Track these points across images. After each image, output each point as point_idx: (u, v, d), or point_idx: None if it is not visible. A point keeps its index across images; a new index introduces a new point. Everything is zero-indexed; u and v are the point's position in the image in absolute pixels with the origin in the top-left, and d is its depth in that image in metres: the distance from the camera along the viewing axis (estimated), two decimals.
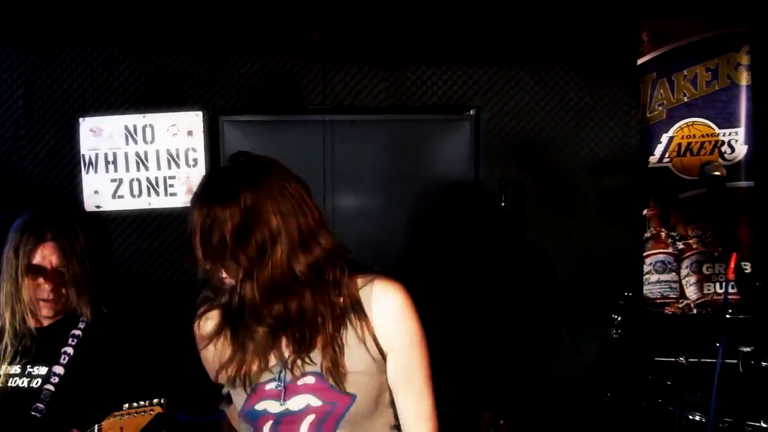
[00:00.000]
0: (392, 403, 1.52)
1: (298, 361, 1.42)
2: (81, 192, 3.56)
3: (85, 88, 3.52)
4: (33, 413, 1.88)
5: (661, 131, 3.71)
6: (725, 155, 3.63)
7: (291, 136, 3.68)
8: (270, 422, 1.44)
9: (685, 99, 3.67)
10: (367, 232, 3.70)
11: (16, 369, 1.94)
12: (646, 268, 3.75)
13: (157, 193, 3.56)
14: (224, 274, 1.39)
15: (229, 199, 1.35)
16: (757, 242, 3.59)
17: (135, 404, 1.69)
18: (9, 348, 1.95)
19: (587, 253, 3.72)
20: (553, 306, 3.74)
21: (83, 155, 3.55)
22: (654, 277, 3.76)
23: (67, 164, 3.56)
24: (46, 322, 2.01)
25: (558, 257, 3.72)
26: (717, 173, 1.87)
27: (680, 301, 3.72)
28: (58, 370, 1.94)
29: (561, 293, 3.73)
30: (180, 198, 3.56)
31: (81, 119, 3.53)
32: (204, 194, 1.39)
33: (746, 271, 1.66)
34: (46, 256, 1.95)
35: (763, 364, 2.71)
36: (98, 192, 3.56)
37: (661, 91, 3.70)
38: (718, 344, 1.72)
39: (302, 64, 3.57)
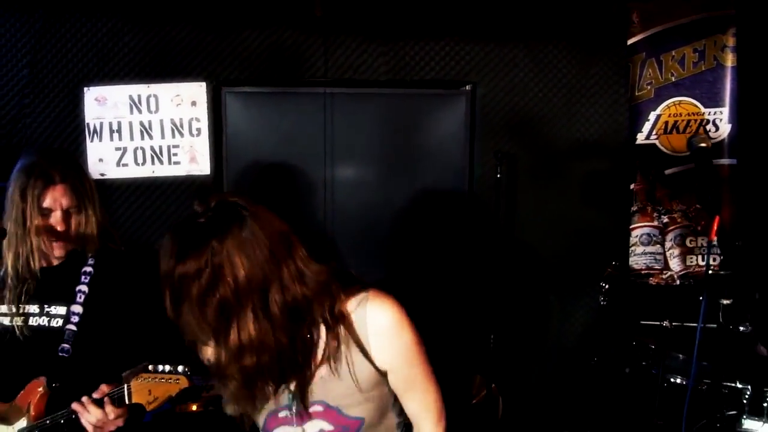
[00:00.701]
0: (395, 403, 1.58)
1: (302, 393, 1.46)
2: (86, 160, 3.62)
3: (89, 58, 3.58)
4: (60, 354, 1.93)
5: (648, 109, 3.84)
6: (710, 133, 3.77)
7: (292, 107, 3.77)
8: None
9: (673, 78, 3.80)
10: (365, 201, 3.82)
11: (34, 308, 1.98)
12: (632, 240, 3.91)
13: (161, 162, 3.64)
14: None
15: (195, 254, 1.30)
16: (739, 216, 3.75)
17: (160, 368, 1.69)
18: (11, 290, 1.95)
19: (576, 225, 3.87)
20: (544, 275, 3.88)
21: (88, 124, 3.62)
22: (639, 249, 3.92)
23: (72, 132, 3.62)
24: (55, 262, 2.01)
25: (549, 228, 3.86)
26: (703, 145, 2.00)
27: (664, 272, 3.88)
28: (77, 309, 1.96)
29: (551, 263, 3.88)
30: (183, 166, 3.64)
31: (86, 88, 3.59)
32: (171, 250, 1.33)
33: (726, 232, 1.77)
34: (56, 198, 1.91)
35: (741, 329, 2.88)
36: (103, 160, 3.63)
37: (650, 70, 3.83)
38: (701, 298, 1.82)
39: (304, 38, 3.65)
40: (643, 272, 3.88)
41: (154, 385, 1.67)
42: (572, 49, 3.82)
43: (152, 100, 3.61)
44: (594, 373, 3.53)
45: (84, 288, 1.98)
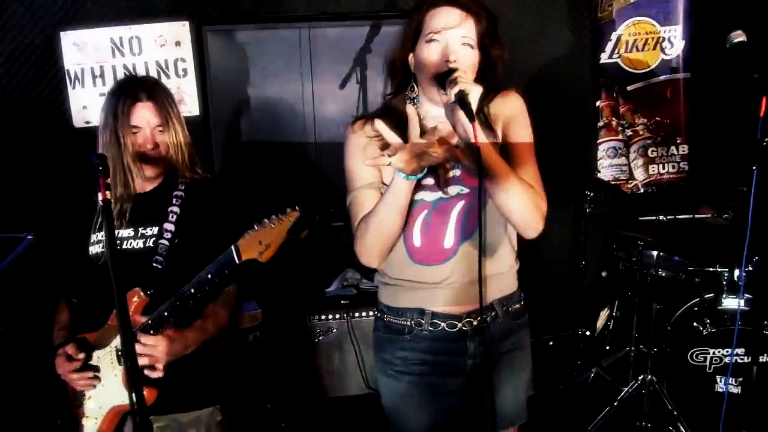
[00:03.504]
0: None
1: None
2: (68, 108, 3.53)
3: (64, 0, 3.45)
4: (154, 265, 1.97)
5: (610, 30, 4.09)
6: (666, 50, 4.08)
7: (274, 45, 3.78)
8: (425, 211, 1.74)
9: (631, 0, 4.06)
10: None
11: (129, 232, 2.01)
12: (600, 154, 4.21)
13: None
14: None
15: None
16: (694, 126, 4.11)
17: (266, 220, 1.72)
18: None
19: (551, 142, 4.08)
20: None
21: (68, 70, 3.51)
22: (606, 162, 4.22)
23: (51, 80, 3.51)
24: (148, 187, 2.05)
25: None
26: (740, 39, 2.13)
27: (630, 181, 4.22)
28: (169, 227, 2.00)
29: None
30: None
31: (62, 33, 3.47)
32: None
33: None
34: (143, 116, 1.95)
35: (725, 216, 3.20)
36: (87, 107, 3.55)
37: None
38: (754, 168, 2.00)
39: None
40: (611, 183, 4.20)
41: (263, 234, 1.71)
42: None
43: (135, 42, 3.54)
44: (582, 276, 3.84)
45: (175, 209, 2.02)
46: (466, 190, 1.75)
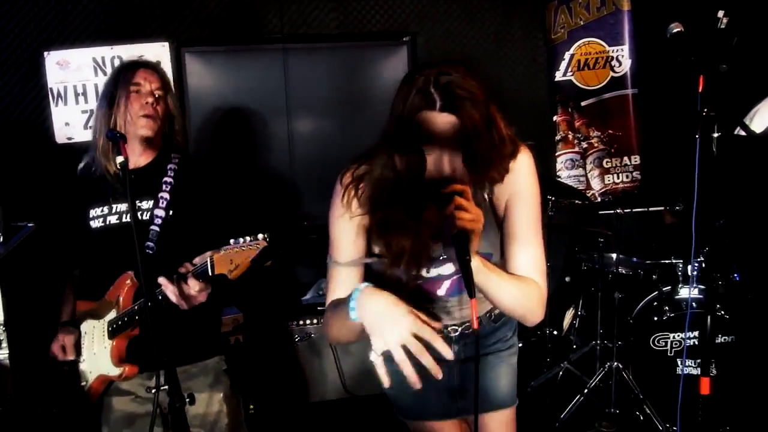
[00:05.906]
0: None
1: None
2: (51, 125, 3.64)
3: (48, 22, 3.58)
4: (147, 251, 2.03)
5: (564, 50, 4.41)
6: (615, 68, 4.39)
7: (251, 65, 3.97)
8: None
9: (581, 22, 4.38)
10: (324, 150, 4.08)
11: (125, 207, 2.07)
12: (558, 166, 4.48)
13: None
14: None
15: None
16: (645, 138, 4.41)
17: (240, 240, 1.77)
18: (105, 190, 2.09)
19: None
20: None
21: (51, 88, 3.63)
22: (565, 173, 4.49)
23: (35, 98, 3.62)
24: (142, 162, 2.13)
25: None
26: (678, 30, 2.32)
27: (587, 191, 4.48)
28: (164, 195, 2.08)
29: None
30: None
31: (46, 53, 3.60)
32: None
33: None
34: (146, 77, 2.08)
35: (677, 208, 3.44)
36: (69, 124, 3.66)
37: (562, 15, 4.39)
38: (697, 136, 2.15)
39: None
40: (572, 187, 4.43)
41: (234, 254, 1.78)
42: None
43: (116, 62, 3.67)
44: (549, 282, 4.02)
45: (169, 179, 2.12)
46: (447, 273, 1.75)
